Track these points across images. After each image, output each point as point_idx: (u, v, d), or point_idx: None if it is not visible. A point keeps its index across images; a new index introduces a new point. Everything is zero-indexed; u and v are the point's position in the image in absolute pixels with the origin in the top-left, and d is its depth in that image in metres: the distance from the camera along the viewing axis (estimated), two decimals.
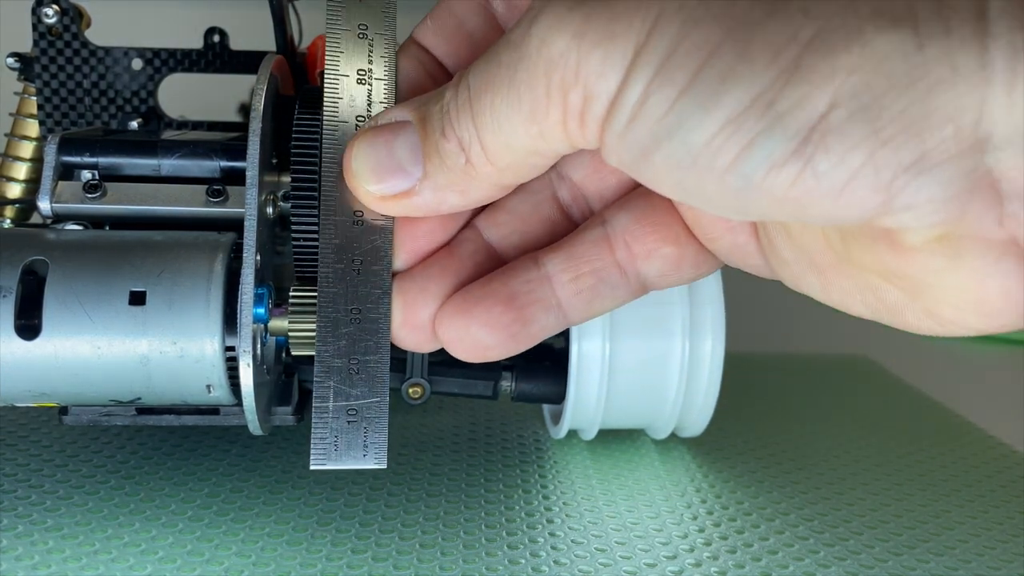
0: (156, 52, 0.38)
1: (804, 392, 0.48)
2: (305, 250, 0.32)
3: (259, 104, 0.29)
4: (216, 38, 0.39)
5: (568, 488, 0.35)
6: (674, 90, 0.19)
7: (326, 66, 0.27)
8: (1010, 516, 0.34)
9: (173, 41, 0.39)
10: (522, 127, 0.21)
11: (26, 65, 0.38)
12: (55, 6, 0.37)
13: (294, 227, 0.31)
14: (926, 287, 0.20)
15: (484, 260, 0.26)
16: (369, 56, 0.27)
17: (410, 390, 0.36)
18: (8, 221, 0.38)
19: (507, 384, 0.37)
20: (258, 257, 0.29)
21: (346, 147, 0.25)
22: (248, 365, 0.28)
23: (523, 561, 0.29)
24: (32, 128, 0.39)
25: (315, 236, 0.31)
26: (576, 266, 0.25)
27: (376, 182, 0.24)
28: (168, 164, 0.32)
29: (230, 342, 0.29)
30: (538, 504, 0.34)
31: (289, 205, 0.31)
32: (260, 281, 0.29)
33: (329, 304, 0.26)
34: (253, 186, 0.29)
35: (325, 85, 0.27)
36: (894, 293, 0.21)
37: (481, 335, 0.24)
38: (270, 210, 0.31)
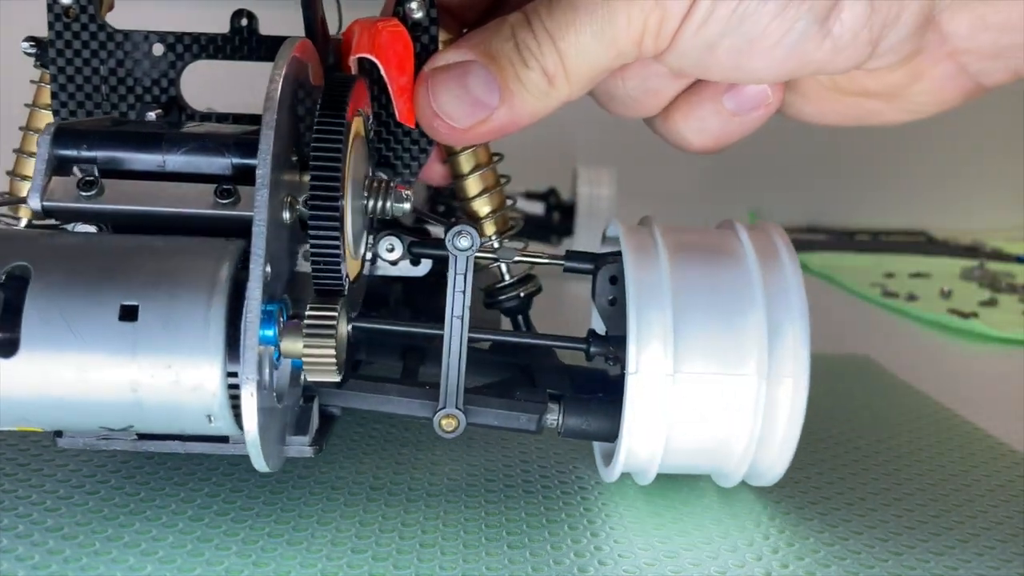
0: (179, 37, 0.35)
1: None
2: (324, 260, 0.28)
3: (275, 93, 0.26)
4: (244, 22, 0.36)
5: (569, 488, 0.35)
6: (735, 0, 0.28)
7: None
8: (1010, 516, 0.34)
9: (198, 27, 0.36)
10: (604, 51, 0.28)
11: (42, 50, 0.35)
12: None
13: (312, 234, 0.28)
14: (900, 94, 0.33)
15: None
16: None
17: (443, 422, 0.33)
18: (24, 221, 0.36)
19: (553, 417, 0.33)
20: (268, 269, 0.25)
21: (416, 92, 0.30)
22: (252, 395, 0.24)
23: (522, 560, 0.29)
24: (48, 119, 0.36)
25: (336, 244, 0.28)
26: None
27: (459, 119, 0.29)
28: (173, 160, 0.29)
29: (233, 367, 0.25)
30: (538, 505, 0.34)
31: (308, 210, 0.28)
32: (271, 296, 0.26)
33: None
34: (264, 186, 0.25)
35: None
36: (873, 104, 0.34)
37: None
38: (287, 214, 0.27)
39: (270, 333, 0.25)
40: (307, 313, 0.27)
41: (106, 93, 0.35)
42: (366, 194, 0.32)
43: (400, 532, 0.31)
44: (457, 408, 0.32)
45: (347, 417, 0.41)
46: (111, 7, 0.36)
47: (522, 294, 0.39)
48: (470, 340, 0.33)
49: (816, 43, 0.28)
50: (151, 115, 0.34)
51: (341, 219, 0.28)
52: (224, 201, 0.27)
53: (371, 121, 0.34)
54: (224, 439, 0.29)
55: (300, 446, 0.30)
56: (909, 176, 1.12)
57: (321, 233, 0.28)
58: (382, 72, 0.31)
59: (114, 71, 0.35)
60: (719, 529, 0.32)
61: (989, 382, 0.54)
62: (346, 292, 0.30)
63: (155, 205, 0.28)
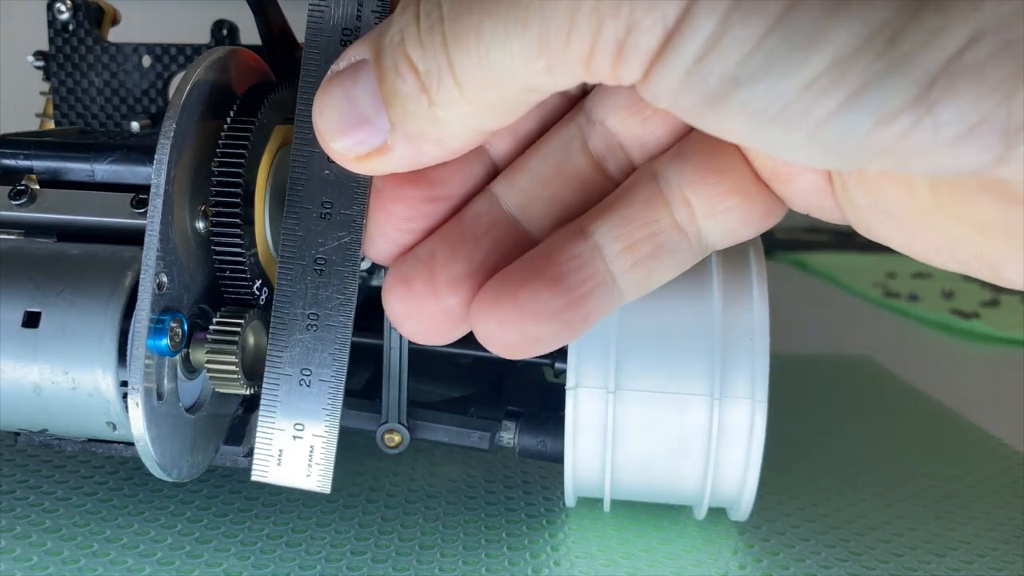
0: (165, 48, 0.37)
1: (807, 393, 0.48)
2: (228, 269, 0.28)
3: (178, 100, 0.26)
4: (225, 32, 0.37)
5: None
6: (764, 23, 0.15)
7: None
8: (1012, 517, 0.34)
9: (190, 37, 0.38)
10: (522, 58, 0.17)
11: (47, 63, 0.37)
12: (68, 2, 0.36)
13: (214, 241, 0.28)
14: None
15: (505, 236, 0.22)
16: None
17: (385, 436, 0.32)
18: None
19: (508, 436, 0.32)
20: (164, 279, 0.26)
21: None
22: (138, 405, 0.25)
23: (522, 562, 0.29)
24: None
25: (239, 253, 0.28)
26: (630, 232, 0.21)
27: (342, 138, 0.20)
28: (101, 169, 0.29)
29: (127, 375, 0.25)
30: (538, 505, 0.33)
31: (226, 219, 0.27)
32: (172, 307, 0.26)
33: (285, 303, 0.23)
34: (158, 195, 0.25)
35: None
36: (992, 247, 0.19)
37: (530, 326, 0.20)
38: (200, 224, 0.27)
39: (162, 343, 0.25)
40: (213, 323, 0.27)
41: (101, 104, 0.37)
42: None
43: (399, 534, 0.31)
44: (400, 423, 0.32)
45: None
46: (115, 20, 0.37)
47: None
48: (437, 353, 0.31)
49: (901, 129, 0.15)
50: (134, 125, 0.35)
51: (244, 227, 0.28)
52: (139, 211, 0.28)
53: None
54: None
55: (234, 456, 0.30)
56: None
57: (223, 241, 0.27)
58: None
59: (108, 83, 0.37)
60: (693, 557, 0.32)
61: (991, 382, 0.54)
62: (263, 303, 0.29)
63: (79, 214, 0.29)
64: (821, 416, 0.45)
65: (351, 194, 0.23)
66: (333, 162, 0.21)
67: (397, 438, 0.32)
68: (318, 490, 0.23)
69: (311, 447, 0.24)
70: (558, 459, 0.30)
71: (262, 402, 0.23)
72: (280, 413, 0.24)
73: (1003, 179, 0.16)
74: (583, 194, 0.22)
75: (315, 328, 0.23)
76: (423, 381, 0.36)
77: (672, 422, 0.28)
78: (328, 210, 0.23)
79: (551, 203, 0.22)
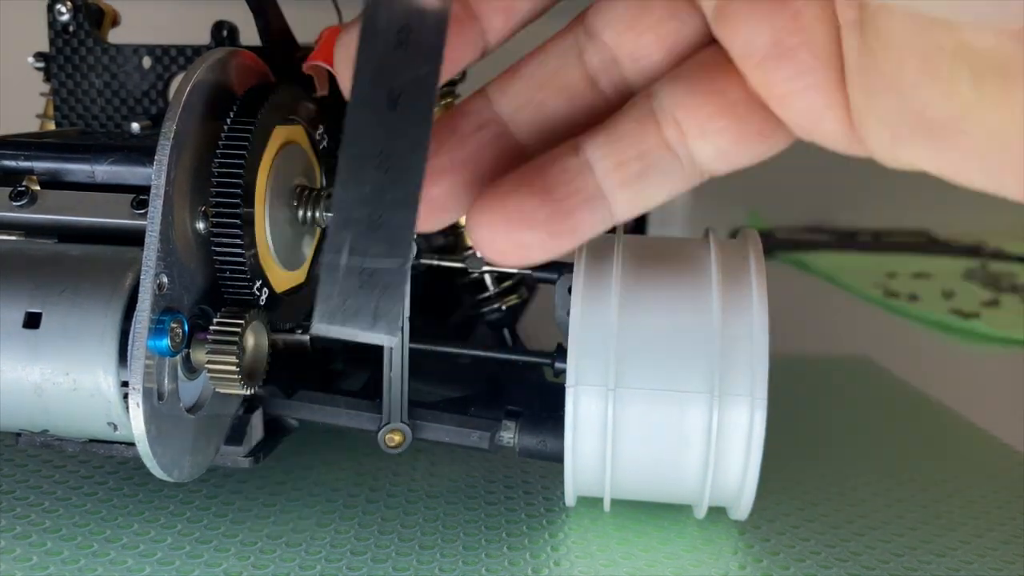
0: (165, 49, 0.37)
1: (805, 393, 0.48)
2: (228, 269, 0.28)
3: (178, 102, 0.26)
4: (225, 33, 0.37)
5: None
6: None
7: None
8: (1012, 517, 0.34)
9: (190, 38, 0.38)
10: None
11: (47, 64, 0.37)
12: (68, 3, 0.36)
13: (214, 241, 0.28)
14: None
15: (493, 139, 0.23)
16: None
17: (387, 436, 0.32)
18: None
19: (509, 436, 0.32)
20: (164, 279, 0.26)
21: None
22: (138, 405, 0.25)
23: (522, 562, 0.29)
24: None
25: (239, 253, 0.28)
26: (619, 149, 0.21)
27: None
28: (101, 170, 0.30)
29: (127, 376, 0.25)
30: (538, 505, 0.34)
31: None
32: (172, 307, 0.26)
33: (355, 140, 0.22)
34: (158, 197, 0.25)
35: None
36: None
37: (515, 233, 0.21)
38: (201, 224, 0.28)
39: (162, 344, 0.25)
40: (214, 322, 0.27)
41: (102, 105, 0.37)
42: (296, 203, 0.31)
43: (399, 534, 0.31)
44: (402, 422, 0.32)
45: None
46: (116, 21, 0.37)
47: (503, 307, 0.38)
48: (437, 353, 0.32)
49: None
50: (135, 126, 0.35)
51: (244, 227, 0.28)
52: (139, 211, 0.28)
53: (320, 130, 0.33)
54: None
55: (235, 456, 0.30)
56: (911, 175, 1.12)
57: (223, 241, 0.28)
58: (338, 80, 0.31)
59: (108, 84, 0.37)
60: (694, 556, 0.32)
61: (990, 382, 0.54)
62: (263, 303, 0.29)
63: (79, 215, 0.29)
64: (821, 416, 0.45)
65: (433, 23, 0.21)
66: None
67: (398, 438, 0.32)
68: (386, 340, 0.22)
69: (380, 292, 0.22)
70: (558, 458, 0.30)
71: (326, 245, 0.22)
72: (346, 257, 0.22)
73: None
74: (572, 107, 0.22)
75: (386, 170, 0.22)
76: (423, 381, 0.36)
77: (672, 420, 0.28)
78: (404, 37, 0.21)
79: (540, 110, 0.22)
